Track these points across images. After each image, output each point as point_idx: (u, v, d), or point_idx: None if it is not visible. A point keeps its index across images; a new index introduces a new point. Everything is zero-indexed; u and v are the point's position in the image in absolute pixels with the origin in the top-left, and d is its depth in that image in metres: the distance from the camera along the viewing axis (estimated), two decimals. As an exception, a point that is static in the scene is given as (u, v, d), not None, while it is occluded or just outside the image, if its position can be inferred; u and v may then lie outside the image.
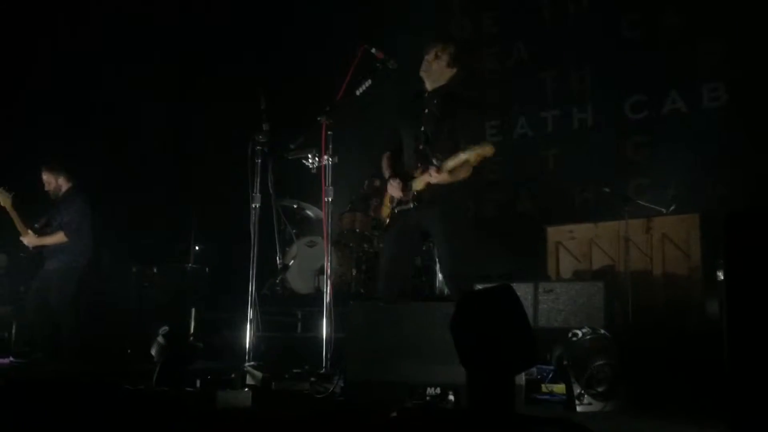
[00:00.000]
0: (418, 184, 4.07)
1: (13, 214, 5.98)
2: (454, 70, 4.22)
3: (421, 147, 4.13)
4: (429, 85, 4.21)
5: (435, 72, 4.18)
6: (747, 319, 2.33)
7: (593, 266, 6.02)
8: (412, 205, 4.08)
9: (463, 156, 3.86)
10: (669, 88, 6.76)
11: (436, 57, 4.16)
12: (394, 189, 4.17)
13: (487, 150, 3.82)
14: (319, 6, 8.47)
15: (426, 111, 4.17)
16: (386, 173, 4.34)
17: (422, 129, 4.16)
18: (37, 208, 6.26)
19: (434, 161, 3.91)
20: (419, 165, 4.09)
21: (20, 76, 7.96)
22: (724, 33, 6.44)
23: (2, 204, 5.96)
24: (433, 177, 3.94)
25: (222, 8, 9.12)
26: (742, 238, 2.41)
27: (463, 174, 4.02)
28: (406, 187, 4.11)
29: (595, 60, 7.19)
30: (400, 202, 4.16)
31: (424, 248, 5.19)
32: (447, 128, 4.09)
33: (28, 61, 8.00)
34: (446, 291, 5.14)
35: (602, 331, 3.72)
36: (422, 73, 4.19)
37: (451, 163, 3.90)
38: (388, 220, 4.27)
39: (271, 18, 8.78)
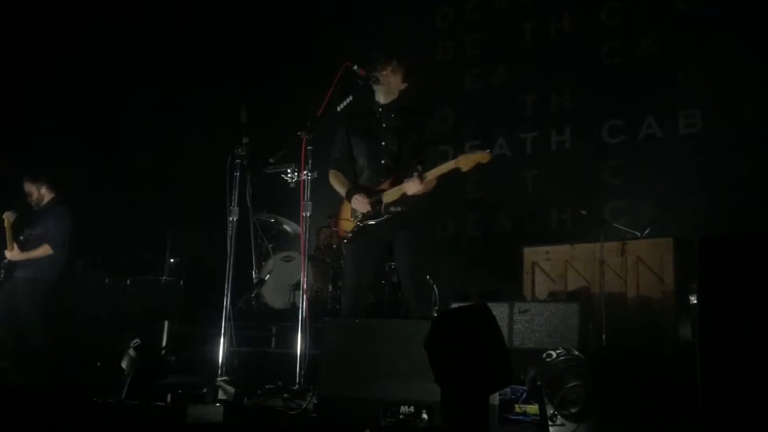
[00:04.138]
0: (390, 196, 4.09)
1: (9, 232, 5.94)
2: (406, 86, 4.27)
3: (383, 161, 4.19)
4: (382, 99, 4.24)
5: (392, 86, 4.21)
6: (719, 342, 2.36)
7: (568, 287, 6.05)
8: (383, 217, 4.10)
9: (451, 163, 3.89)
10: (646, 114, 6.86)
11: (393, 73, 4.19)
12: (360, 203, 4.17)
13: (483, 157, 3.87)
14: (303, 25, 8.52)
15: (384, 126, 4.21)
16: (341, 189, 4.34)
17: (383, 144, 4.19)
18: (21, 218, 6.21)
19: (416, 171, 3.95)
20: (388, 178, 4.14)
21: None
22: (702, 62, 6.57)
23: (5, 224, 5.93)
24: (412, 187, 3.98)
25: (205, 19, 9.13)
26: (716, 263, 2.44)
27: (432, 184, 4.06)
28: (373, 200, 4.14)
29: (575, 84, 7.29)
30: (365, 216, 4.16)
31: (392, 265, 5.19)
32: (412, 141, 4.14)
33: (7, 72, 7.92)
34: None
35: (576, 353, 3.73)
36: (379, 87, 4.18)
37: (434, 171, 3.94)
38: (350, 235, 4.27)
39: (254, 32, 8.79)
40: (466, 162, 3.91)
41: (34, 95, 7.90)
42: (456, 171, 3.97)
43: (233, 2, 9.03)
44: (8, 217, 5.97)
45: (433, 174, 3.99)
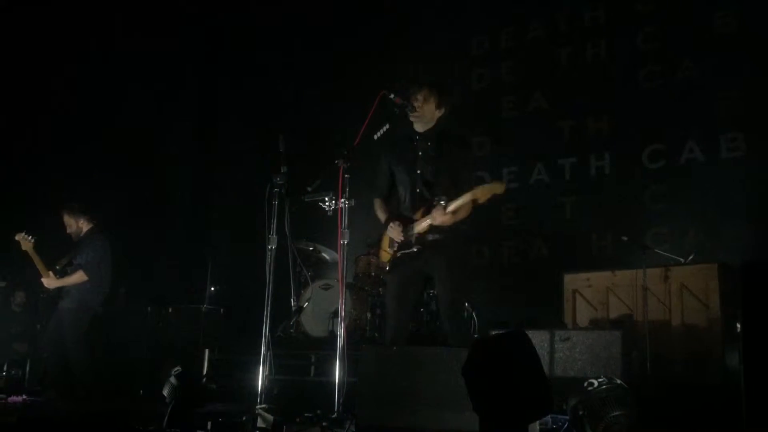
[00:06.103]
0: (420, 227, 4.10)
1: (35, 258, 6.08)
2: (443, 111, 4.29)
3: (418, 190, 4.21)
4: (420, 128, 4.28)
5: (426, 115, 4.23)
6: (764, 369, 2.29)
7: (610, 315, 5.94)
8: (415, 249, 4.10)
9: (468, 196, 3.90)
10: (687, 138, 6.76)
11: (425, 101, 4.22)
12: (394, 232, 4.21)
13: (496, 187, 3.86)
14: (339, 54, 8.64)
15: (420, 154, 4.24)
16: (382, 218, 4.39)
17: (418, 172, 4.22)
18: (61, 248, 6.34)
19: (441, 202, 3.96)
20: (420, 207, 4.15)
21: (38, 118, 8.12)
22: (743, 84, 6.46)
23: (24, 248, 6.06)
24: (437, 219, 3.98)
25: (244, 48, 9.30)
26: (760, 288, 2.39)
27: (463, 213, 4.07)
28: (406, 229, 4.14)
29: (613, 109, 7.23)
30: (401, 246, 4.18)
31: (431, 293, 5.18)
32: (445, 168, 4.15)
33: (47, 101, 8.17)
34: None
35: (619, 381, 3.66)
36: (413, 117, 4.24)
37: (457, 202, 3.95)
38: (388, 265, 4.29)
39: (292, 61, 8.94)
40: (482, 193, 3.93)
41: (74, 125, 8.14)
42: (491, 198, 3.96)
43: (269, 32, 9.21)
44: (22, 239, 6.05)
45: (453, 206, 3.99)
